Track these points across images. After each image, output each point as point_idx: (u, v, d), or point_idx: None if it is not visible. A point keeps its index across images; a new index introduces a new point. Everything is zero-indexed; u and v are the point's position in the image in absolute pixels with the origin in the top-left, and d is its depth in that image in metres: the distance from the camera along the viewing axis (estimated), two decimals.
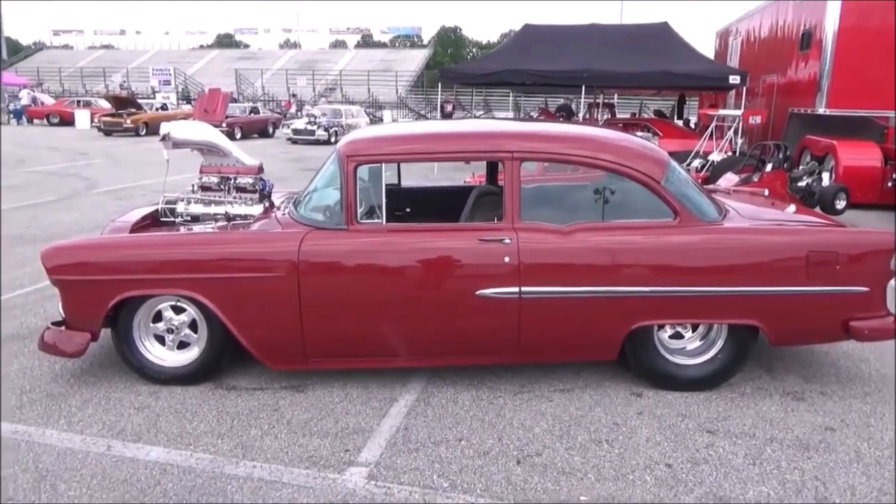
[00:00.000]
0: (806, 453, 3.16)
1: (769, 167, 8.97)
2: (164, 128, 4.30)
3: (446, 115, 22.48)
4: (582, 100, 15.37)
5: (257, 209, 4.24)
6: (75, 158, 16.65)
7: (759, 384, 3.88)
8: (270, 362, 3.72)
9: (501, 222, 3.55)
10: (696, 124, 18.22)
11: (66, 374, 3.95)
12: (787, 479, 2.95)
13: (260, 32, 78.25)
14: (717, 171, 9.84)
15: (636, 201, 3.63)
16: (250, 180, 4.35)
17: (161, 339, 3.78)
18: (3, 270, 6.10)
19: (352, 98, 42.07)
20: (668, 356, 3.76)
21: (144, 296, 3.64)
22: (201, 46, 72.33)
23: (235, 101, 32.84)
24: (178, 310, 3.72)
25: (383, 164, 3.61)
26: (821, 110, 11.62)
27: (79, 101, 32.71)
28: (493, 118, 14.00)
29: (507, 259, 3.46)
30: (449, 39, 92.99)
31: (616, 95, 25.45)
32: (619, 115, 21.39)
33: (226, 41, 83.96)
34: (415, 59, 59.29)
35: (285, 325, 3.55)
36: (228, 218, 4.22)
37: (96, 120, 26.33)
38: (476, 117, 19.95)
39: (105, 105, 29.20)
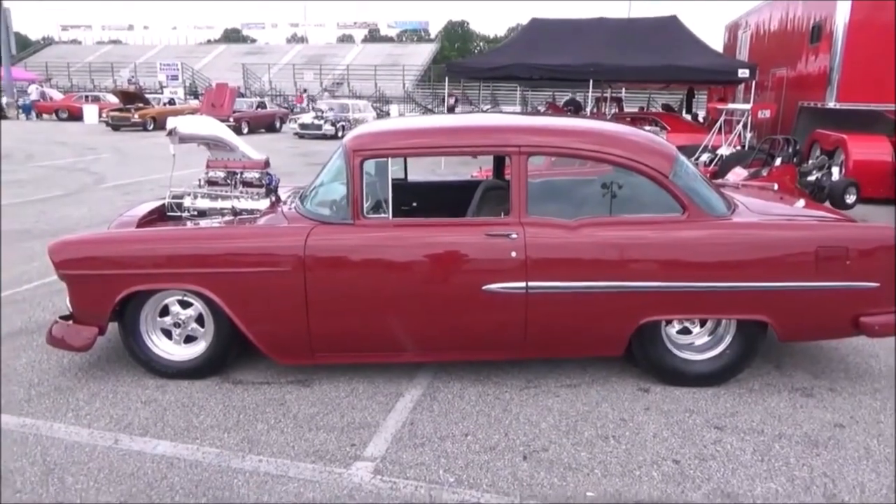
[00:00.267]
0: (815, 450, 3.13)
1: (778, 161, 8.89)
2: (171, 122, 4.31)
3: (449, 109, 22.55)
4: (590, 94, 15.30)
5: (264, 204, 4.24)
6: (83, 153, 16.72)
7: (767, 380, 3.85)
8: (277, 357, 3.73)
9: (508, 217, 3.54)
10: (704, 118, 18.09)
11: (73, 367, 3.97)
12: (796, 475, 2.93)
13: (267, 27, 78.53)
14: (725, 165, 9.76)
15: (644, 196, 3.60)
16: (257, 175, 4.35)
17: (168, 334, 3.79)
18: (12, 265, 6.14)
19: (359, 92, 42.07)
20: (675, 351, 3.74)
21: (151, 290, 3.65)
22: (209, 41, 72.53)
23: (243, 95, 32.86)
24: (184, 304, 3.73)
25: (390, 159, 3.60)
26: (831, 104, 11.52)
27: (87, 96, 32.91)
28: (501, 112, 13.96)
29: (513, 254, 3.44)
30: (456, 34, 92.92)
31: (624, 89, 25.30)
32: (627, 110, 21.23)
33: (233, 36, 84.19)
34: (422, 54, 59.20)
35: (291, 320, 3.55)
36: (235, 212, 4.22)
37: (104, 115, 26.41)
38: (483, 112, 19.93)
39: (113, 100, 29.33)
